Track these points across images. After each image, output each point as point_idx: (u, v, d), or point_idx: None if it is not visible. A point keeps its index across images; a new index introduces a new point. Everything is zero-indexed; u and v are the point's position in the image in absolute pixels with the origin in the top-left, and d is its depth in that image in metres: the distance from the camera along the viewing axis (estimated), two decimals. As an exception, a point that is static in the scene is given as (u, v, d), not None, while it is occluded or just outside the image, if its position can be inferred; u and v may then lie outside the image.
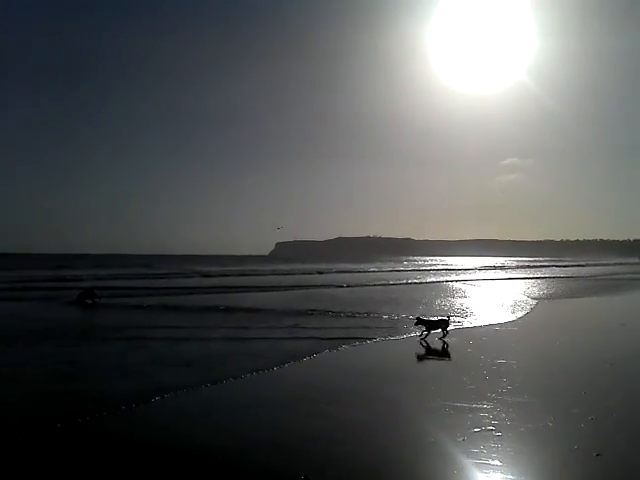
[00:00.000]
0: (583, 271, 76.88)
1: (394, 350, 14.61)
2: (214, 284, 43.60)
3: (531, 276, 63.52)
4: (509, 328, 18.48)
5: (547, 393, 10.18)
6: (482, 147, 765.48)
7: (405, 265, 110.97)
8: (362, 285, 44.23)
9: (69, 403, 9.32)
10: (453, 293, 35.74)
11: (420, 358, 13.74)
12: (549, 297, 32.17)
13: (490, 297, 33.73)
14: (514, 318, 21.13)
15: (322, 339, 15.60)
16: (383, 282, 48.20)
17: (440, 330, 15.95)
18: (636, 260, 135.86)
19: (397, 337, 16.17)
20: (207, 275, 60.65)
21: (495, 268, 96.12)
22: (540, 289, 39.78)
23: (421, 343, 15.28)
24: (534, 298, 31.21)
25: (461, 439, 7.49)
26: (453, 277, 61.20)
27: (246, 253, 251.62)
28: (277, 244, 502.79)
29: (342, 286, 42.11)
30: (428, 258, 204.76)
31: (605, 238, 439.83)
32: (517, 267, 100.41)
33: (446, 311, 21.93)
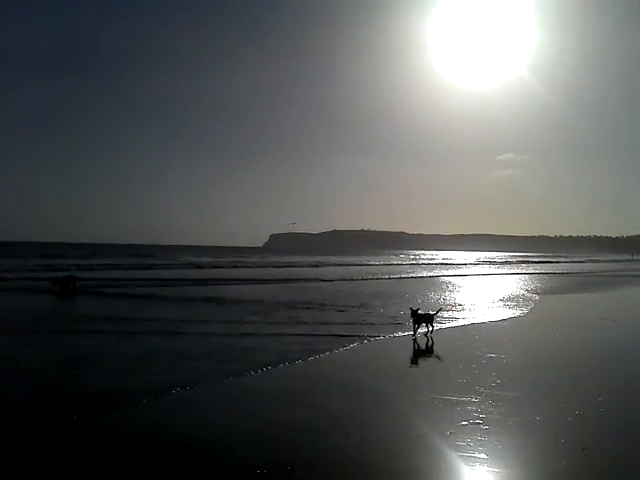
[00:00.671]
0: (576, 267, 77.21)
1: (387, 345, 14.56)
2: (206, 276, 43.39)
3: (524, 272, 63.78)
4: (500, 323, 18.56)
5: (536, 387, 10.21)
6: (478, 142, 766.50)
7: (401, 259, 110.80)
8: (359, 279, 44.24)
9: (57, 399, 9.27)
10: (445, 287, 35.81)
11: (412, 352, 13.74)
12: (541, 292, 32.28)
13: (482, 292, 33.84)
14: (505, 313, 21.21)
15: (320, 335, 15.29)
16: (378, 276, 48.29)
17: (427, 325, 15.56)
18: (629, 257, 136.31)
19: (393, 333, 16.01)
20: (199, 266, 60.48)
21: (488, 263, 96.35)
22: (532, 285, 39.91)
23: (416, 339, 14.99)
24: (526, 294, 31.34)
25: (449, 432, 7.51)
26: (446, 272, 61.33)
27: (240, 244, 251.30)
28: (271, 236, 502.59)
29: (336, 280, 42.11)
30: (422, 252, 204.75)
31: (599, 234, 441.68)
32: (511, 262, 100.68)
33: (434, 305, 21.91)
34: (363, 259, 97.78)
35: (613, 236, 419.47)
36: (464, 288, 36.06)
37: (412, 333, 15.31)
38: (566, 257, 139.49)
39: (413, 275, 51.31)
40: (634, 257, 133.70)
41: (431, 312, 16.07)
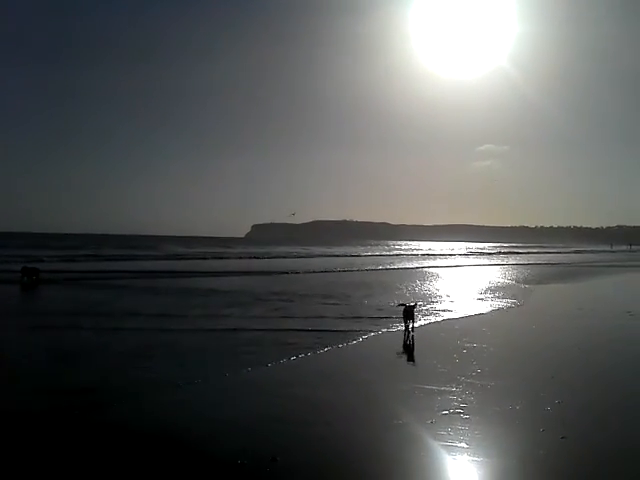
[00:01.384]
0: (558, 257, 77.92)
1: (372, 337, 14.52)
2: (186, 268, 42.69)
3: (506, 262, 64.27)
4: (480, 314, 18.66)
5: (516, 377, 10.30)
6: (459, 132, 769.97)
7: (384, 249, 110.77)
8: (345, 270, 44.26)
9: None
10: (427, 279, 35.97)
11: (395, 344, 13.74)
12: (523, 283, 32.56)
13: (465, 283, 34.07)
14: (486, 304, 21.37)
15: (305, 331, 14.86)
16: (361, 267, 48.35)
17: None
18: (608, 248, 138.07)
19: (379, 327, 15.87)
20: (181, 257, 59.90)
21: (473, 254, 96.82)
22: (514, 275, 40.25)
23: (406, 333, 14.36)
24: (508, 285, 31.62)
25: (429, 421, 7.55)
26: (432, 262, 61.66)
27: (221, 235, 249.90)
28: (253, 226, 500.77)
29: (319, 271, 42.11)
30: (405, 243, 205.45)
31: (579, 225, 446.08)
32: (494, 253, 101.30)
33: (409, 297, 21.96)
34: (347, 250, 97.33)
35: (593, 227, 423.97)
36: (449, 279, 36.28)
37: (404, 328, 14.56)
38: (548, 248, 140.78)
39: (399, 267, 51.30)
40: (613, 248, 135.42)
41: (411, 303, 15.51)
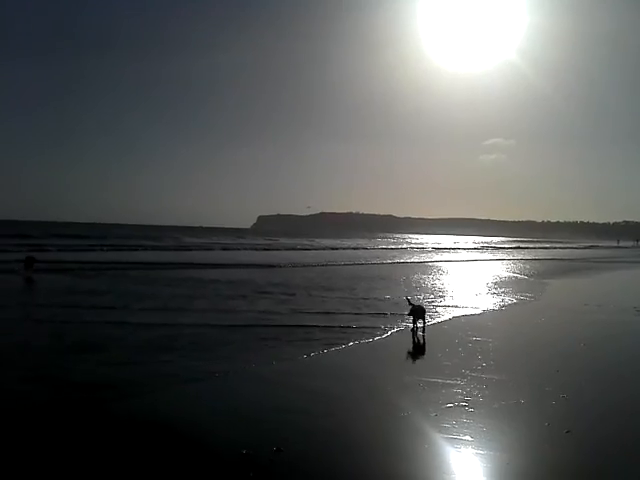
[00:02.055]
0: (565, 253, 77.67)
1: (375, 330, 14.48)
2: (192, 259, 42.12)
3: (512, 257, 64.09)
4: (488, 308, 18.61)
5: (521, 371, 10.28)
6: (466, 126, 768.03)
7: (392, 242, 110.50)
8: (351, 264, 44.19)
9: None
10: (438, 273, 35.91)
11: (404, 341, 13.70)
12: (530, 277, 32.49)
13: (471, 277, 34.01)
14: (499, 298, 21.32)
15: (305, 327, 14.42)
16: (368, 261, 48.29)
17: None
18: (615, 244, 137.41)
19: (390, 325, 15.86)
20: (187, 248, 59.79)
21: (475, 249, 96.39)
22: (520, 269, 40.15)
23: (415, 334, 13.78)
24: (514, 278, 31.53)
25: (433, 414, 7.55)
26: (438, 257, 61.54)
27: (228, 226, 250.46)
28: (259, 217, 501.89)
29: (328, 264, 42.04)
30: (411, 236, 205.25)
31: (585, 220, 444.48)
32: (499, 247, 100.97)
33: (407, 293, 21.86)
34: (356, 242, 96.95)
35: (599, 222, 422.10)
36: (459, 273, 36.19)
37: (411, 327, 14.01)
38: (555, 242, 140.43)
39: (407, 260, 50.88)
40: (620, 244, 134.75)
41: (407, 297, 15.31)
